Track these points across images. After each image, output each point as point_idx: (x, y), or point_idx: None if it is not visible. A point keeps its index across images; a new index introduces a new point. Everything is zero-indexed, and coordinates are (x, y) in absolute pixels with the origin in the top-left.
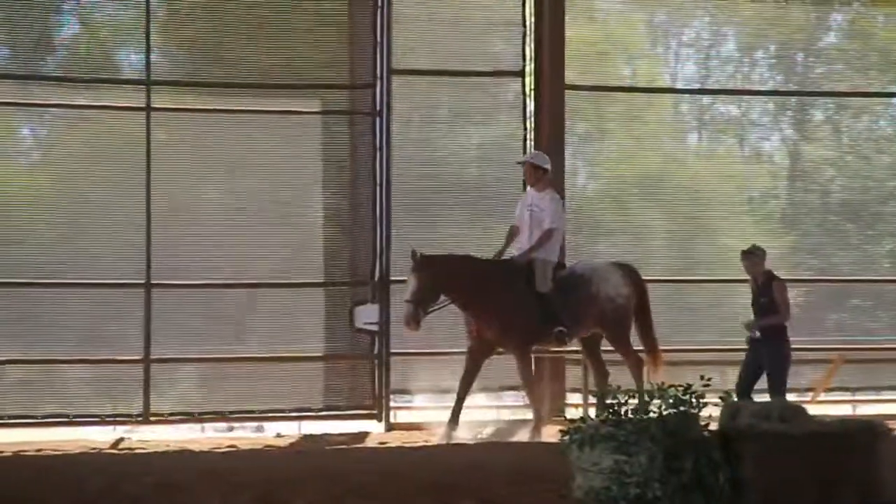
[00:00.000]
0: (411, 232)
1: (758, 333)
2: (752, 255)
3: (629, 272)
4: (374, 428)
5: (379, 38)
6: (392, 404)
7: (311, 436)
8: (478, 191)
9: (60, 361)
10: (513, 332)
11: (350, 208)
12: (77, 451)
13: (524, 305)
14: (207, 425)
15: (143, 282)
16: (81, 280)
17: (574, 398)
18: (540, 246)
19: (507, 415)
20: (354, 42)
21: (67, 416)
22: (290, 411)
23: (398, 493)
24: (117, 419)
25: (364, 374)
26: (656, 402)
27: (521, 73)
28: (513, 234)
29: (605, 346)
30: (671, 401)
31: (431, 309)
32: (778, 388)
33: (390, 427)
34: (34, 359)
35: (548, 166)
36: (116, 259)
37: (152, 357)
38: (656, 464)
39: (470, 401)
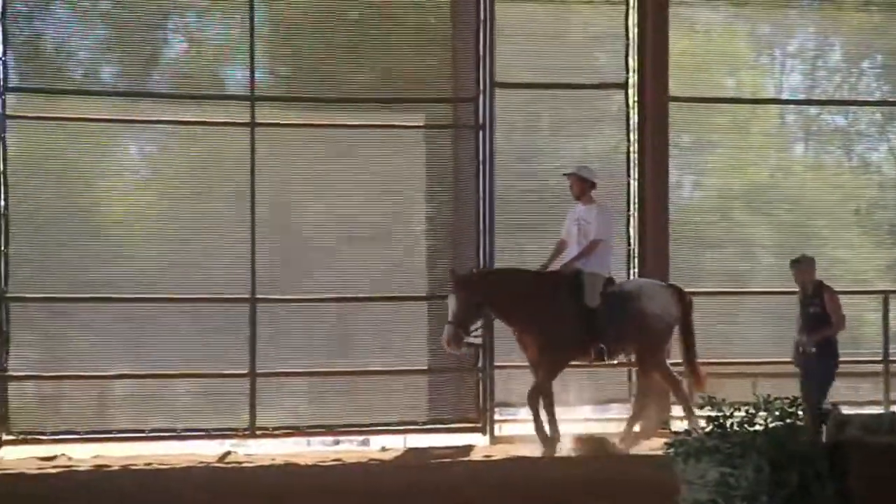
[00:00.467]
0: (514, 245)
1: (814, 349)
2: (800, 264)
3: (676, 293)
4: (479, 441)
5: (481, 52)
6: (496, 417)
7: (415, 449)
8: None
9: (168, 376)
10: (553, 345)
11: (453, 221)
12: (184, 464)
13: (569, 318)
14: (313, 439)
15: (248, 296)
16: (188, 295)
17: (679, 411)
18: (585, 256)
19: (613, 427)
20: (457, 56)
21: (175, 430)
22: (395, 424)
23: None
24: (224, 433)
25: (468, 386)
26: (762, 414)
27: (624, 85)
28: (560, 248)
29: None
30: (777, 413)
31: (475, 327)
32: (816, 398)
33: (495, 440)
34: (143, 373)
35: (595, 179)
36: (222, 274)
37: (258, 371)
38: (762, 476)
39: (576, 413)
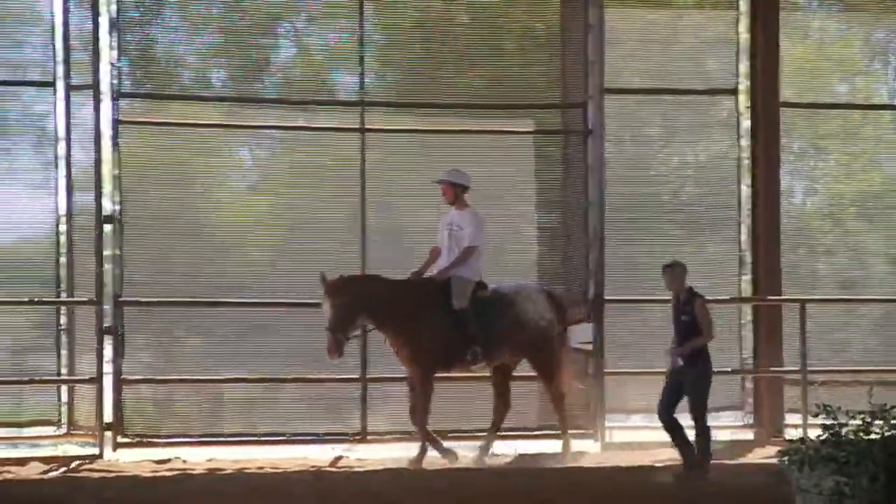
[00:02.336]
0: (624, 251)
1: (681, 362)
2: (672, 270)
3: (553, 296)
4: (590, 447)
5: (591, 57)
6: (607, 424)
7: (526, 455)
8: (690, 209)
9: (280, 380)
10: (423, 353)
11: (563, 227)
12: (295, 469)
13: (438, 326)
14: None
15: None
16: (300, 300)
17: (793, 418)
18: (460, 264)
19: (724, 435)
20: (566, 61)
21: (286, 435)
22: (506, 430)
23: None
24: (335, 437)
25: (579, 393)
26: (878, 423)
27: (735, 91)
28: (433, 255)
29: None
30: (893, 421)
31: (354, 334)
32: (699, 408)
33: (606, 446)
34: (255, 377)
35: (466, 184)
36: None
37: (369, 376)
38: (878, 485)
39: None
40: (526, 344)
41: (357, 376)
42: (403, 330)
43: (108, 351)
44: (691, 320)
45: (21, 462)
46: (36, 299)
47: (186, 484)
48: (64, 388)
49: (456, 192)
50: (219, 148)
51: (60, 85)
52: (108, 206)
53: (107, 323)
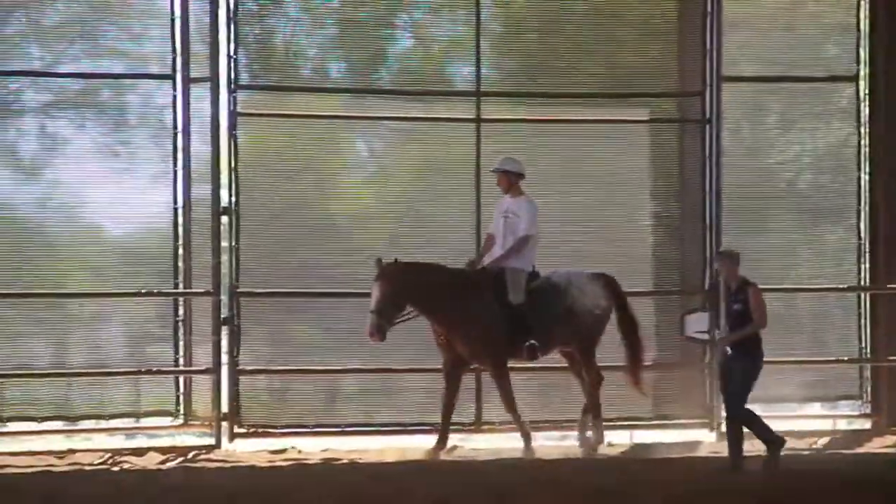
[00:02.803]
0: (741, 240)
1: (729, 351)
2: (726, 258)
3: (608, 283)
4: (706, 437)
5: (708, 45)
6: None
7: (642, 445)
8: (809, 198)
9: (396, 371)
10: (483, 346)
11: (679, 217)
12: (410, 458)
13: (493, 317)
14: (539, 434)
15: None
16: None
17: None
18: (513, 254)
19: (843, 424)
20: (683, 49)
21: (402, 425)
22: (621, 420)
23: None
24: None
25: (695, 383)
26: None
27: (855, 78)
28: (489, 243)
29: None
30: None
31: (398, 320)
32: (739, 397)
33: (722, 437)
34: (371, 368)
35: (521, 171)
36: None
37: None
38: None
39: (806, 410)
40: (579, 333)
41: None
42: (454, 321)
43: (224, 342)
44: (744, 309)
45: (139, 452)
46: (154, 291)
47: (302, 474)
48: (181, 378)
49: (510, 179)
50: (335, 139)
51: (179, 77)
52: (224, 197)
53: (223, 314)
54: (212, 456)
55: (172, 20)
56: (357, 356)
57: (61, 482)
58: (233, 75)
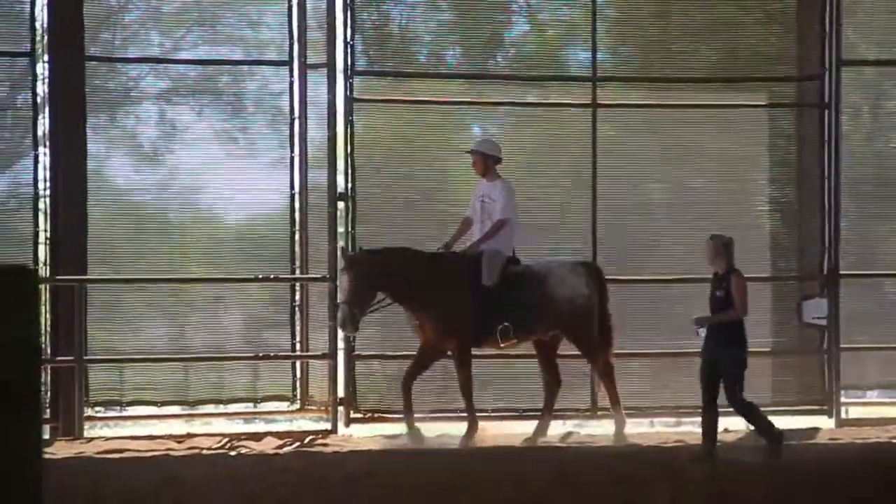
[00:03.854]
0: (861, 225)
1: (702, 332)
2: (712, 242)
3: (590, 271)
4: (825, 424)
5: (827, 29)
6: (843, 400)
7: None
8: None
9: (510, 356)
10: (454, 330)
11: (797, 202)
12: (522, 444)
13: (467, 301)
14: (656, 420)
15: None
16: None
17: None
18: (492, 237)
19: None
20: (802, 33)
21: (517, 410)
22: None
23: (849, 487)
24: (565, 413)
25: (813, 369)
26: None
27: None
28: (464, 226)
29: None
30: None
31: (371, 309)
32: (736, 389)
33: (841, 423)
34: (487, 354)
35: (498, 155)
36: (564, 254)
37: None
38: None
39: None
40: (560, 321)
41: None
42: (428, 306)
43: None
44: (725, 297)
45: (256, 437)
46: (271, 276)
47: (419, 458)
48: (298, 364)
49: (487, 163)
50: (451, 125)
51: (296, 64)
52: (341, 183)
53: (340, 299)
54: (328, 441)
55: (290, 6)
56: None
57: (180, 466)
58: (349, 61)
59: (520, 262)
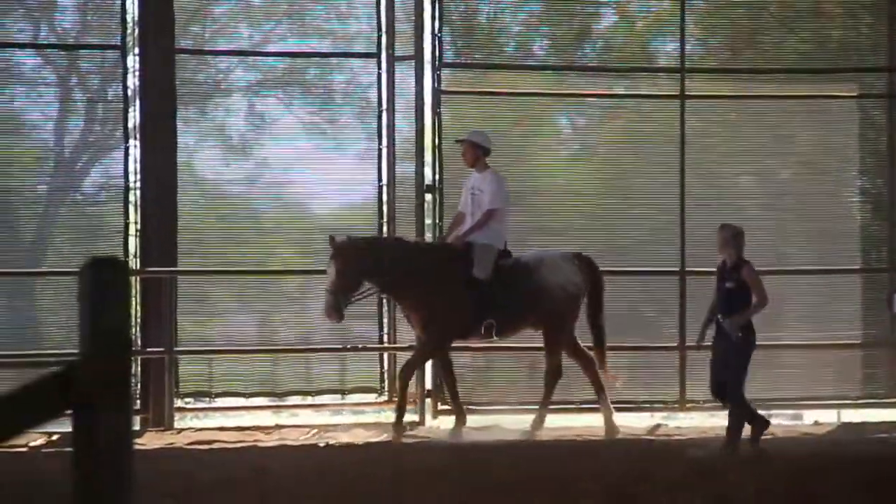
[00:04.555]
0: None
1: (739, 334)
2: (723, 232)
3: (583, 261)
4: None
5: None
6: None
7: (849, 424)
8: None
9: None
10: (436, 323)
11: (889, 194)
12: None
13: (453, 293)
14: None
15: (678, 269)
16: (618, 268)
17: None
18: (479, 227)
19: None
20: (894, 23)
21: (576, 403)
22: (828, 399)
23: None
24: (654, 406)
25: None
26: None
27: None
28: (458, 220)
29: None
30: None
31: (356, 297)
32: (735, 379)
33: None
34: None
35: (488, 146)
36: (652, 246)
37: (687, 344)
38: None
39: None
40: (547, 314)
41: (675, 344)
42: (414, 296)
43: None
44: (736, 287)
45: (344, 428)
46: None
47: (505, 449)
48: (385, 355)
49: (477, 153)
50: (539, 117)
51: (384, 56)
52: (428, 175)
53: None
54: (416, 432)
55: None
56: None
57: (268, 457)
58: (437, 53)
59: (511, 255)
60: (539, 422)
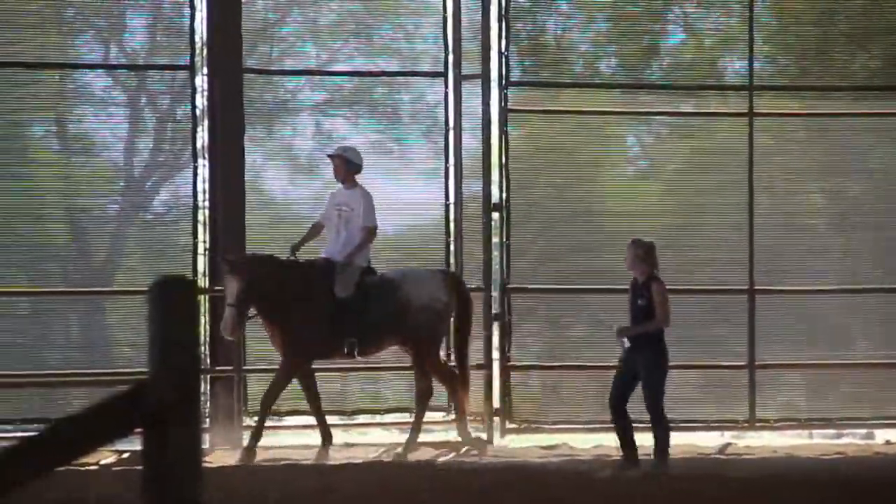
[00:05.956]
0: None
1: (627, 344)
2: (633, 247)
3: (449, 279)
4: None
5: None
6: None
7: None
8: None
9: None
10: (296, 343)
11: None
12: (682, 455)
13: (315, 313)
14: (815, 431)
15: (746, 287)
16: (686, 286)
17: None
18: (362, 247)
19: None
20: None
21: (674, 422)
22: (880, 420)
23: None
24: (723, 424)
25: None
26: None
27: None
28: (314, 231)
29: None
30: None
31: (251, 315)
32: (654, 400)
33: None
34: None
35: (360, 163)
36: (720, 264)
37: (757, 363)
38: None
39: None
40: (413, 330)
41: (744, 363)
42: (275, 316)
43: (495, 338)
44: (647, 305)
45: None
46: None
47: (571, 469)
48: None
49: (349, 169)
50: (606, 135)
51: (451, 75)
52: (496, 194)
53: (495, 310)
54: (483, 451)
55: (445, 18)
56: None
57: (337, 475)
58: (504, 72)
59: (375, 272)
60: (411, 444)
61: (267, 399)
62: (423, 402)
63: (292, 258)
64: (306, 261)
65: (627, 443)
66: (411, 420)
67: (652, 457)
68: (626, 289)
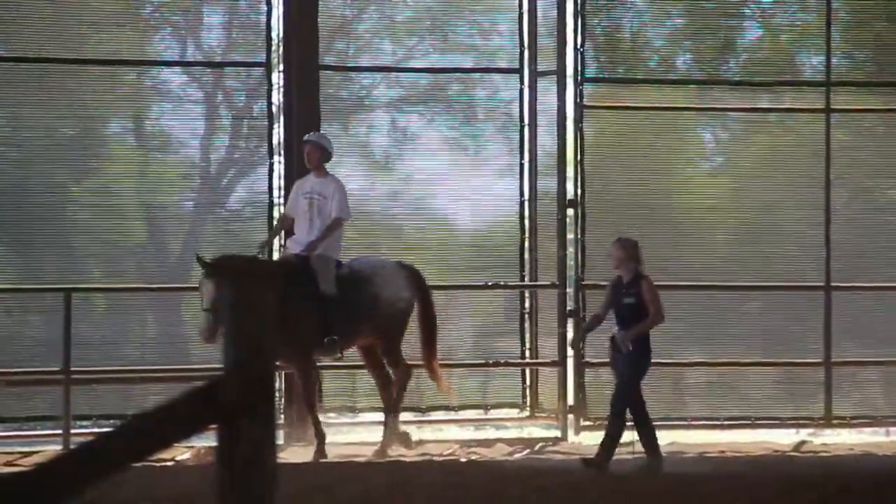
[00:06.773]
0: None
1: (630, 347)
2: (619, 246)
3: (412, 274)
4: None
5: None
6: None
7: None
8: None
9: (742, 364)
10: (295, 342)
11: None
12: (757, 453)
13: (305, 311)
14: (892, 429)
15: (822, 284)
16: (761, 283)
17: None
18: (327, 237)
19: None
20: None
21: (749, 419)
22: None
23: None
24: (799, 422)
25: None
26: None
27: None
28: (282, 224)
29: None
30: None
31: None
32: (624, 392)
33: None
34: (717, 361)
35: (332, 150)
36: (796, 261)
37: (833, 360)
38: None
39: None
40: (382, 325)
41: (821, 360)
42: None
43: (570, 334)
44: (636, 303)
45: (487, 444)
46: (500, 283)
47: (646, 465)
48: (528, 371)
49: (321, 156)
50: (682, 131)
51: (526, 71)
52: (570, 190)
53: (569, 306)
54: (558, 448)
55: (521, 14)
56: (702, 349)
57: (409, 472)
58: (579, 68)
59: (342, 264)
60: (401, 435)
61: (311, 408)
62: (404, 385)
63: (261, 254)
64: (281, 258)
65: (612, 447)
66: (485, 416)
67: (645, 456)
68: (701, 284)
